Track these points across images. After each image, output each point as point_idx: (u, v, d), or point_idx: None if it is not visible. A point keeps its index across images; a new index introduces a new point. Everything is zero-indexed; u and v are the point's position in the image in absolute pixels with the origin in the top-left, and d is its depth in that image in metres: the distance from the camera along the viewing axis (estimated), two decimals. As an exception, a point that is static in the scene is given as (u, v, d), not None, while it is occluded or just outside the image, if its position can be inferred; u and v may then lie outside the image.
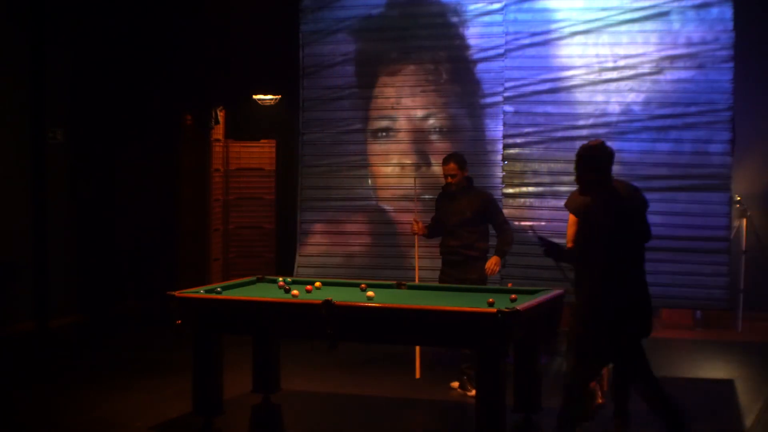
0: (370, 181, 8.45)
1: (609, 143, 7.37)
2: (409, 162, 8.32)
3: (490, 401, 5.08)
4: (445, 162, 6.71)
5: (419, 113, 8.32)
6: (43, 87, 9.14)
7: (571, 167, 8.04)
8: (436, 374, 7.05)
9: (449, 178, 6.65)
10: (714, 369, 7.71)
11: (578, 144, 7.72)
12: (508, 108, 8.03)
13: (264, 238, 10.41)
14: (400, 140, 8.36)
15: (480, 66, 8.15)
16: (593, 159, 5.05)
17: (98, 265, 9.74)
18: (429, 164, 8.26)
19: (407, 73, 8.34)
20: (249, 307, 5.54)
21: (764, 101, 9.19)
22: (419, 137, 8.31)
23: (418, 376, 6.70)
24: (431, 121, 8.29)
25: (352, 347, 5.83)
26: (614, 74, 7.80)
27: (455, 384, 6.68)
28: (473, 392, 5.83)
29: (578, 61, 7.87)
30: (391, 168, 8.38)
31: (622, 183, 5.11)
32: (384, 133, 8.41)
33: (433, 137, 8.28)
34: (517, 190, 7.91)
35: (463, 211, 6.61)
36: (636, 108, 7.78)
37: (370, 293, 5.61)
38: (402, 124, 8.36)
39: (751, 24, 8.34)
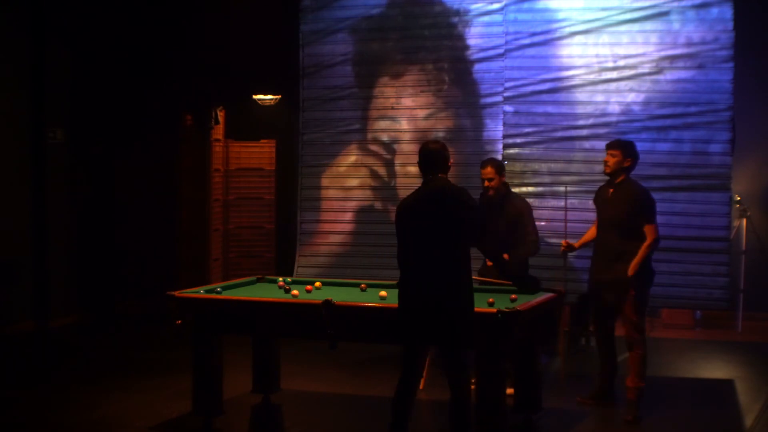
0: (369, 181, 8.44)
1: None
2: (409, 162, 8.32)
3: (490, 401, 5.08)
4: (482, 165, 6.66)
5: (419, 113, 8.32)
6: (43, 87, 9.14)
7: (571, 167, 8.09)
8: (436, 374, 7.04)
9: (486, 182, 6.61)
10: (714, 369, 7.71)
11: (578, 144, 7.84)
12: (508, 108, 8.03)
13: (264, 238, 10.41)
14: (400, 140, 8.36)
15: (480, 66, 8.14)
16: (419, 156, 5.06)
17: (98, 265, 9.74)
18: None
19: (407, 73, 8.34)
20: (249, 307, 5.55)
21: (764, 101, 9.19)
22: (419, 137, 8.30)
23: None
24: (431, 121, 8.29)
25: (352, 347, 5.83)
26: (614, 74, 7.80)
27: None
28: (510, 391, 5.80)
29: (578, 61, 7.87)
30: (391, 168, 8.38)
31: (440, 183, 4.93)
32: (384, 133, 8.41)
33: (433, 137, 8.26)
34: (517, 190, 7.88)
35: (499, 221, 6.56)
36: (636, 108, 7.78)
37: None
38: (402, 124, 8.36)
39: (751, 24, 8.35)
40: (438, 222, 4.83)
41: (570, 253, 6.64)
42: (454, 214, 4.84)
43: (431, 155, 4.98)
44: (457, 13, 8.21)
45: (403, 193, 8.23)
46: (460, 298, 4.83)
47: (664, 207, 7.60)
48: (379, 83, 8.42)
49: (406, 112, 8.34)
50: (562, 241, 6.56)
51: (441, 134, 8.23)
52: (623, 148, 6.22)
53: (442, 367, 5.00)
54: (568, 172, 7.85)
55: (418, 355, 5.00)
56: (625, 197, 6.16)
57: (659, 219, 7.55)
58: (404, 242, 4.92)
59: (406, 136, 8.34)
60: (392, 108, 8.38)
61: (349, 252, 8.44)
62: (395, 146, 8.38)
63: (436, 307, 4.80)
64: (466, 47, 8.19)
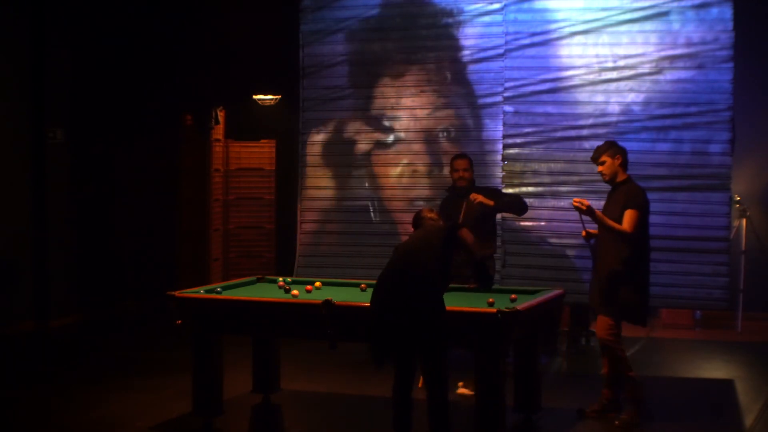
0: (369, 181, 8.44)
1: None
2: (408, 162, 8.32)
3: (490, 401, 5.08)
4: (460, 158, 6.85)
5: (419, 113, 8.31)
6: (43, 87, 9.14)
7: (571, 167, 8.09)
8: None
9: (461, 172, 6.76)
10: (714, 369, 7.71)
11: (578, 144, 7.82)
12: (508, 108, 8.03)
13: (264, 238, 10.41)
14: (400, 140, 8.35)
15: (480, 66, 8.14)
16: None
17: (98, 265, 9.74)
18: (430, 164, 8.26)
19: (407, 73, 8.34)
20: (249, 307, 5.55)
21: (764, 101, 9.19)
22: (419, 137, 8.30)
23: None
24: (431, 121, 8.29)
25: (352, 347, 5.82)
26: (614, 74, 7.79)
27: (461, 384, 6.65)
28: (466, 391, 5.80)
29: (578, 61, 7.87)
30: (391, 168, 8.38)
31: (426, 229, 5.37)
32: (384, 133, 8.41)
33: (433, 137, 8.27)
34: (516, 190, 7.89)
35: (470, 212, 6.53)
36: (636, 108, 7.77)
37: None
38: (402, 124, 8.35)
39: (751, 24, 8.34)
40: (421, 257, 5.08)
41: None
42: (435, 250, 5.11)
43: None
44: (457, 13, 8.20)
45: (403, 193, 8.29)
46: (434, 304, 4.95)
47: (664, 207, 7.61)
48: (379, 83, 8.42)
49: (406, 112, 8.33)
50: (582, 231, 6.15)
51: (441, 134, 8.24)
52: (604, 153, 5.96)
53: (421, 368, 5.10)
54: (568, 172, 7.84)
55: (405, 356, 5.12)
56: (619, 197, 5.90)
57: (659, 219, 7.58)
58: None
59: (406, 136, 8.33)
60: (392, 108, 8.37)
61: (349, 252, 8.44)
62: (395, 146, 8.37)
63: (412, 312, 4.92)
64: (466, 47, 8.18)
